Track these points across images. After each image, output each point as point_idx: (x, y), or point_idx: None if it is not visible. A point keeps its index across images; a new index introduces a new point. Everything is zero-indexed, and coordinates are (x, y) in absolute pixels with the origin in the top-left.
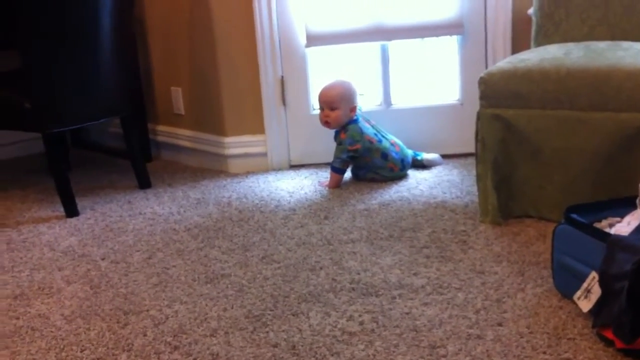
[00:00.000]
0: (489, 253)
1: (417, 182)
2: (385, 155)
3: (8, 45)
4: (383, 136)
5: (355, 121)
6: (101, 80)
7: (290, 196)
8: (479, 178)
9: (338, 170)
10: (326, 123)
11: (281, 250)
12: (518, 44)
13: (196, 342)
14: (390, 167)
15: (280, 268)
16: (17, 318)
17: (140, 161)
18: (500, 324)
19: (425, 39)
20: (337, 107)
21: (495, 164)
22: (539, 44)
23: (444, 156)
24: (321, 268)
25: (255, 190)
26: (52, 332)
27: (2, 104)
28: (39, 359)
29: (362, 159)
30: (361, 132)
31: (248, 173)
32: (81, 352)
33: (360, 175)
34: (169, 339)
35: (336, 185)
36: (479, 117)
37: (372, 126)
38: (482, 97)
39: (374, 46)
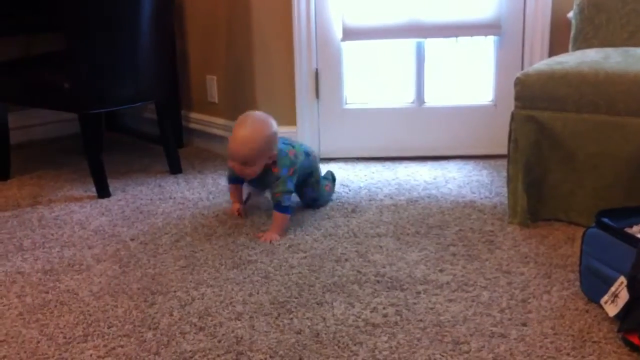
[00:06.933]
0: (516, 254)
1: (446, 181)
2: (307, 153)
3: (49, 29)
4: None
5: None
6: (139, 65)
7: None
8: (510, 179)
9: (288, 210)
10: (242, 176)
11: (307, 240)
12: (555, 47)
13: (221, 324)
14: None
15: (306, 257)
16: (47, 292)
17: (172, 147)
18: (524, 324)
19: (460, 38)
20: (252, 164)
21: (527, 166)
22: (577, 47)
23: (474, 157)
24: (347, 260)
25: None
26: (80, 307)
27: (42, 84)
28: (67, 333)
29: (303, 174)
30: (286, 155)
31: None
32: (108, 328)
33: (308, 195)
34: (194, 320)
35: (284, 229)
36: (513, 118)
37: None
38: (518, 98)
39: (410, 43)
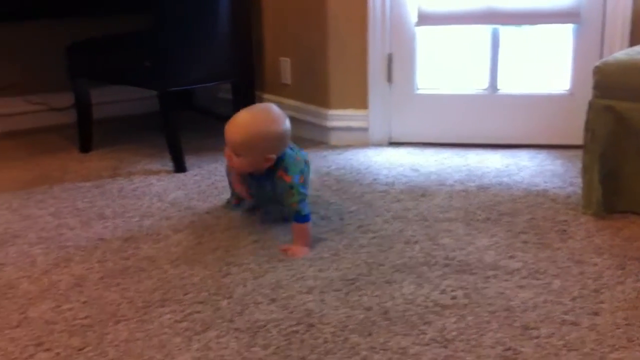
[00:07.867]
0: (589, 244)
1: (518, 169)
2: (306, 161)
3: (124, 10)
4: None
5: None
6: (217, 46)
7: (389, 172)
8: (585, 169)
9: (308, 217)
10: (230, 164)
11: (377, 221)
12: (636, 37)
13: (292, 297)
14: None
15: (375, 238)
16: (127, 258)
17: None
18: (596, 313)
19: (535, 25)
20: (242, 155)
21: (603, 156)
22: None
23: (547, 146)
24: (416, 242)
25: (354, 163)
26: (158, 274)
27: (124, 61)
28: (146, 297)
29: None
30: (294, 160)
31: (348, 146)
32: (184, 295)
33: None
34: (266, 292)
35: (310, 239)
36: (591, 107)
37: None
38: (596, 87)
39: (485, 29)
